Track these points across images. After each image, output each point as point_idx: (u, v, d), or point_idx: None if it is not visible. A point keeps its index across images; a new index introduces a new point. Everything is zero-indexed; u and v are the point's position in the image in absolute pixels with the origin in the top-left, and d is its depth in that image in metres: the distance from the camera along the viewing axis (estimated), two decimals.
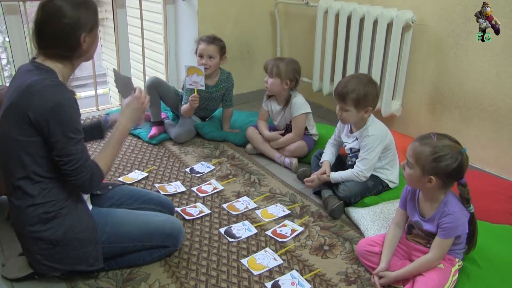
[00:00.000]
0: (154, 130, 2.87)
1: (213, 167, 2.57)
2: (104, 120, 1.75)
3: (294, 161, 2.55)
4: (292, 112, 2.52)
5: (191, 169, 2.55)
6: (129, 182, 2.40)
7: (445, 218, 1.52)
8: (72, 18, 1.40)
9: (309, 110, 2.55)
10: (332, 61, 3.05)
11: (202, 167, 2.57)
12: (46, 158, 1.44)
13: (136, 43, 3.81)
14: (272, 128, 2.73)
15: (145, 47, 3.39)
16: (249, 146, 2.79)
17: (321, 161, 2.27)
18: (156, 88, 2.76)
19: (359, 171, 2.10)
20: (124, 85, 1.64)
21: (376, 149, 2.06)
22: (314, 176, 2.15)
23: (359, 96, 1.99)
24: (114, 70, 1.70)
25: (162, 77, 3.58)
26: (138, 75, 3.79)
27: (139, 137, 2.91)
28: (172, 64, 3.54)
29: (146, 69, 3.50)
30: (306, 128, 2.60)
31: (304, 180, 2.19)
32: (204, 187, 2.38)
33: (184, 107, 2.74)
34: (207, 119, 3.00)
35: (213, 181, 2.44)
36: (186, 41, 3.42)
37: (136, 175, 2.48)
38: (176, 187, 2.37)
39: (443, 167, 1.48)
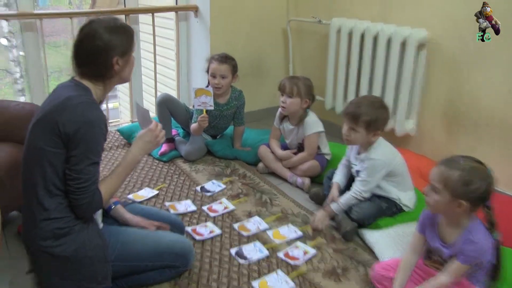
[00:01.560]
0: (164, 147, 2.88)
1: (224, 186, 2.56)
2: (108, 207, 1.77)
3: (307, 181, 2.55)
4: (304, 131, 2.52)
5: (202, 188, 2.55)
6: (139, 200, 2.40)
7: (469, 246, 1.49)
8: (104, 40, 1.48)
9: (322, 129, 2.55)
10: (345, 79, 3.04)
11: (213, 186, 2.57)
12: (64, 172, 1.46)
13: (148, 59, 3.83)
14: (284, 147, 2.72)
15: (157, 63, 3.40)
16: (260, 164, 2.78)
17: (332, 181, 2.27)
18: (167, 105, 2.77)
19: (358, 191, 2.10)
20: (142, 117, 1.68)
21: (377, 173, 2.06)
22: (317, 222, 2.14)
23: (372, 119, 2.01)
24: (136, 103, 1.76)
25: (173, 93, 3.59)
26: (150, 91, 3.81)
27: (149, 154, 2.92)
28: (184, 80, 3.56)
29: (158, 85, 3.53)
30: (318, 147, 2.59)
31: (311, 226, 2.17)
32: (215, 206, 2.37)
33: (193, 126, 2.74)
34: (218, 137, 2.99)
35: (224, 200, 2.43)
36: (198, 57, 3.42)
37: (146, 192, 2.49)
38: (186, 205, 2.37)
39: (473, 190, 1.45)
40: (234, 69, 2.67)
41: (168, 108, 2.77)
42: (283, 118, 2.62)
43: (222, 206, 2.37)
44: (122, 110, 6.12)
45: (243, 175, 2.70)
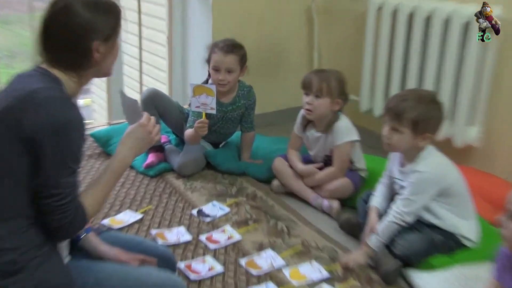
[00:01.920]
0: (151, 158, 2.87)
1: (228, 209, 2.58)
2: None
3: (335, 204, 2.55)
4: (334, 140, 2.52)
5: (199, 211, 2.57)
6: (117, 226, 2.41)
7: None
8: (83, 19, 1.47)
9: (356, 137, 2.56)
10: (387, 72, 3.01)
11: (214, 209, 2.59)
12: (27, 188, 1.45)
13: (131, 43, 3.88)
14: (307, 160, 2.73)
15: (143, 49, 3.45)
16: (275, 182, 2.78)
17: (368, 205, 2.27)
18: (155, 103, 2.77)
19: (398, 213, 2.09)
20: (130, 109, 1.72)
21: (425, 191, 2.06)
22: (350, 260, 2.15)
23: (420, 116, 2.00)
24: (120, 92, 1.77)
25: (164, 89, 3.65)
26: (133, 84, 3.83)
27: (131, 167, 2.93)
28: (177, 73, 3.60)
29: (144, 78, 3.55)
30: (351, 161, 2.60)
31: (340, 264, 2.17)
32: (216, 235, 2.38)
33: (188, 132, 2.72)
34: (220, 145, 3.00)
35: (227, 227, 2.44)
36: (196, 43, 3.47)
37: (127, 216, 2.49)
38: (179, 234, 2.37)
39: None
40: (243, 60, 2.69)
41: (157, 107, 2.77)
42: (307, 123, 2.62)
43: (225, 235, 2.38)
44: (97, 108, 6.13)
45: (253, 195, 2.71)
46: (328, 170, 2.56)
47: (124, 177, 2.84)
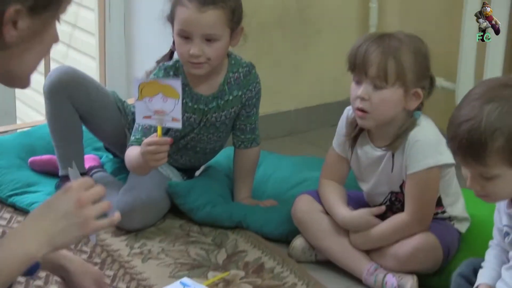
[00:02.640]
0: None
1: None
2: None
3: (410, 283, 2.18)
4: (408, 164, 2.17)
5: None
6: None
7: None
8: None
9: (448, 159, 2.14)
10: (510, 32, 2.66)
11: None
12: None
13: None
14: (357, 201, 2.36)
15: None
16: (298, 242, 2.34)
17: (475, 286, 1.98)
18: (69, 94, 2.45)
19: None
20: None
21: None
22: None
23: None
24: (70, 170, 1.65)
25: (91, 71, 3.34)
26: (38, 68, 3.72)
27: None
28: (115, 43, 3.26)
29: (51, 63, 3.39)
30: (439, 203, 2.23)
31: None
32: None
33: (132, 154, 2.33)
34: (197, 173, 2.67)
35: None
36: None
37: None
38: None
39: None
40: (235, 16, 2.36)
41: (74, 102, 2.45)
42: (357, 133, 2.29)
43: None
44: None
45: (257, 265, 2.34)
46: (396, 220, 2.21)
47: None
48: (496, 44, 2.71)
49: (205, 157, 2.57)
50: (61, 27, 3.45)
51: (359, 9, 3.29)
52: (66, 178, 2.41)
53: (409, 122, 2.15)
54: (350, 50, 2.17)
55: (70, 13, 4.01)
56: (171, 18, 2.34)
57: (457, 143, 1.72)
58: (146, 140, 2.14)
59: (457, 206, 2.23)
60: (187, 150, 2.50)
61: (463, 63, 2.79)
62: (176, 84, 2.17)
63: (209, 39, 2.27)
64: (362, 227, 2.22)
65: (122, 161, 2.55)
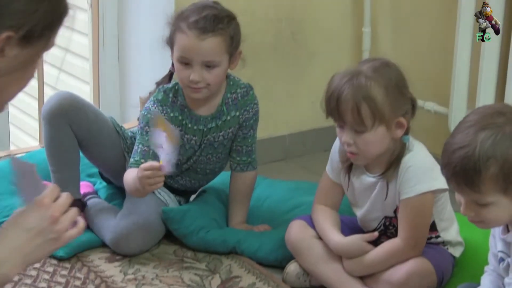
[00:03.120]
0: None
1: None
2: None
3: None
4: (401, 189, 2.17)
5: None
6: None
7: None
8: None
9: (441, 183, 2.12)
10: (503, 58, 2.65)
11: None
12: None
13: None
14: (351, 227, 2.35)
15: None
16: (292, 267, 2.31)
17: None
18: (70, 121, 2.42)
19: None
20: (23, 179, 1.55)
21: None
22: None
23: (506, 166, 1.75)
24: (12, 158, 1.61)
25: (85, 95, 3.30)
26: (26, 102, 3.79)
27: None
28: (110, 66, 3.23)
29: (47, 89, 3.42)
30: (433, 227, 2.24)
31: None
32: None
33: (130, 177, 2.32)
34: (192, 197, 2.65)
35: None
36: (143, 13, 3.08)
37: None
38: None
39: None
40: (234, 41, 2.37)
41: (74, 126, 2.42)
42: (351, 163, 2.32)
43: None
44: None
45: None
46: (390, 245, 2.19)
47: None
48: (488, 70, 2.71)
49: (205, 177, 2.56)
50: (54, 52, 3.45)
51: (352, 34, 3.29)
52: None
53: (399, 147, 2.15)
54: (324, 96, 2.16)
55: (63, 38, 3.94)
56: (170, 43, 2.35)
57: (451, 170, 1.73)
58: (143, 165, 2.18)
59: (451, 230, 2.22)
60: (188, 171, 2.51)
61: (456, 87, 2.79)
62: (176, 132, 2.21)
63: (208, 65, 2.29)
64: (355, 253, 2.20)
65: (116, 187, 2.60)
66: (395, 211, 2.18)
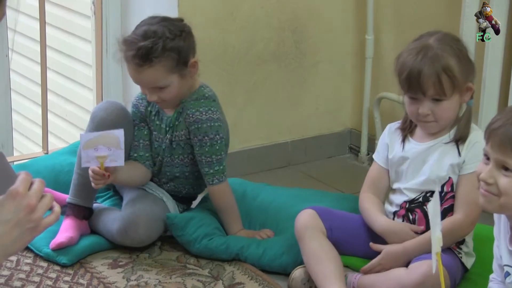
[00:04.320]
0: (66, 231, 2.40)
1: None
2: None
3: None
4: (466, 163, 2.23)
5: None
6: None
7: None
8: None
9: None
10: (506, 61, 2.67)
11: None
12: None
13: (30, 37, 3.95)
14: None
15: (48, 23, 3.32)
16: (298, 273, 2.28)
17: None
18: (126, 126, 2.46)
19: None
20: None
21: None
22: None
23: None
24: None
25: (90, 99, 3.47)
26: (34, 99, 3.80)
27: (28, 247, 2.42)
28: (114, 83, 3.27)
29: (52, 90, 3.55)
30: None
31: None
32: None
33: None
34: (194, 204, 2.65)
35: None
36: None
37: None
38: None
39: None
40: (179, 61, 2.36)
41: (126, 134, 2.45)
42: (406, 134, 2.38)
43: None
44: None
45: None
46: (451, 221, 2.24)
47: (11, 267, 2.37)
48: (491, 76, 2.72)
49: (186, 182, 2.53)
50: (58, 58, 3.32)
51: (355, 42, 3.28)
52: (72, 205, 2.45)
53: (467, 110, 2.21)
54: (400, 71, 2.17)
55: (67, 45, 3.68)
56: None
57: (505, 136, 1.73)
58: (91, 168, 2.29)
59: (469, 240, 2.22)
60: (165, 174, 2.50)
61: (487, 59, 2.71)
62: (120, 134, 2.28)
63: (160, 87, 2.33)
64: (401, 236, 2.21)
65: (118, 197, 2.61)
66: (443, 186, 2.21)
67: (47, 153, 3.22)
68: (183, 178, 2.53)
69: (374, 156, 2.42)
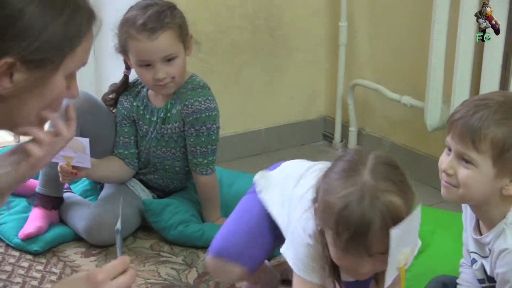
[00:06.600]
0: (35, 220, 2.38)
1: None
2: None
3: None
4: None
5: None
6: None
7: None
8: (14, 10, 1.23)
9: None
10: (477, 52, 2.61)
11: None
12: None
13: None
14: None
15: None
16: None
17: None
18: (83, 120, 2.39)
19: None
20: None
21: None
22: None
23: (507, 140, 1.73)
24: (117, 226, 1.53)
25: None
26: None
27: None
28: (87, 86, 3.08)
29: None
30: None
31: None
32: None
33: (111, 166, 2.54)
34: (174, 194, 2.60)
35: None
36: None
37: None
38: None
39: None
40: (182, 29, 2.37)
41: (84, 128, 2.39)
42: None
43: None
44: None
45: (228, 285, 2.30)
46: None
47: None
48: (463, 64, 2.69)
49: (175, 176, 2.53)
50: None
51: (329, 28, 3.27)
52: (40, 195, 2.43)
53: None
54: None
55: None
56: (123, 51, 2.37)
57: (465, 125, 1.71)
58: (60, 164, 2.30)
59: None
60: (154, 167, 2.50)
61: (432, 82, 2.74)
62: (86, 142, 2.27)
63: (168, 59, 2.33)
64: None
65: (91, 183, 2.61)
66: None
67: (18, 141, 3.15)
68: (173, 173, 2.52)
69: None
